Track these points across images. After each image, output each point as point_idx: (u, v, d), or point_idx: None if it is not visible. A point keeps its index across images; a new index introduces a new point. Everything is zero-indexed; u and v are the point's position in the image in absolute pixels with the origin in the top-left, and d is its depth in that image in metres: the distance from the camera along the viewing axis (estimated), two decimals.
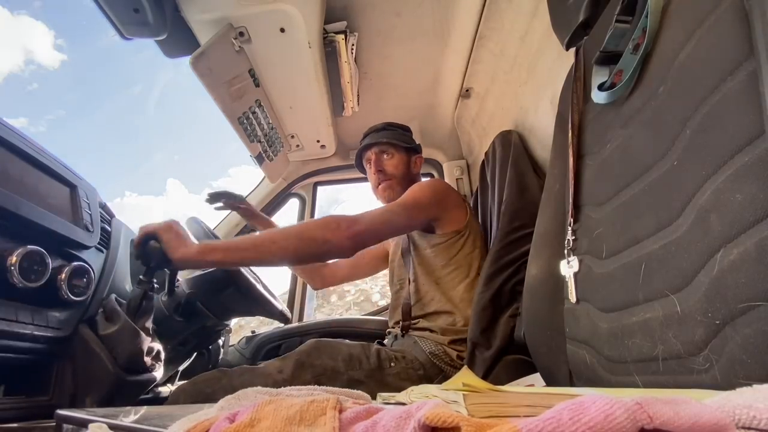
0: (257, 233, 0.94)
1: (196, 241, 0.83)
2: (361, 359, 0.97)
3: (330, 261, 1.36)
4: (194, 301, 1.07)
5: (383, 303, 2.97)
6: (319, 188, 1.81)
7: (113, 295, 0.85)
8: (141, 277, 0.87)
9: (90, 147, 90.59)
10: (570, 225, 0.61)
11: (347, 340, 1.03)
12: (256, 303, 1.09)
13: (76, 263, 0.75)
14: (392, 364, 0.98)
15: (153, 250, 0.83)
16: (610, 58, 0.56)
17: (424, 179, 1.33)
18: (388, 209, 0.98)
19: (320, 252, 0.88)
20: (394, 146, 1.22)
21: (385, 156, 1.22)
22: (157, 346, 0.88)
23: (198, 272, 1.10)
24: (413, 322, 1.10)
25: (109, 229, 0.93)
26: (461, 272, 1.09)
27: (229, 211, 1.42)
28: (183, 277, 1.14)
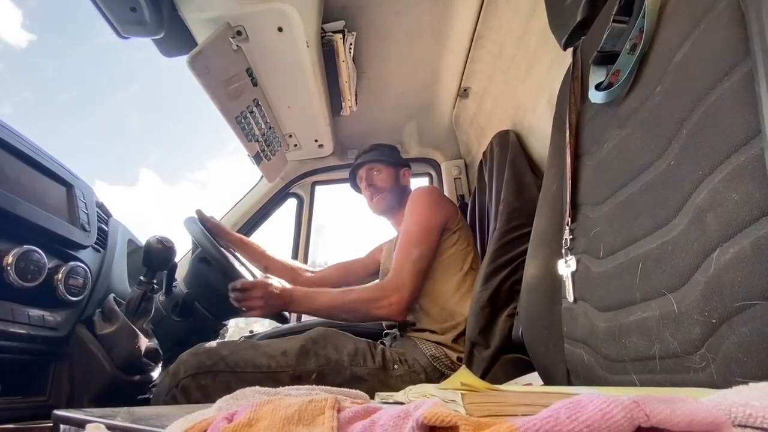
0: (331, 294, 1.05)
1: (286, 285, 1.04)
2: (366, 356, 0.96)
3: (316, 272, 1.40)
4: (192, 301, 1.06)
5: None
6: (317, 188, 1.81)
7: (112, 295, 0.85)
8: (141, 277, 0.87)
9: (58, 132, 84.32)
10: (567, 224, 0.61)
11: (353, 336, 1.02)
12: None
13: (72, 263, 0.75)
14: (396, 366, 0.98)
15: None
16: (607, 58, 0.56)
17: (417, 181, 1.37)
18: (414, 257, 1.06)
19: (377, 320, 1.19)
20: (382, 162, 1.32)
21: (374, 172, 1.32)
22: (155, 346, 0.88)
23: (196, 272, 1.10)
24: (411, 320, 1.11)
25: (106, 228, 0.93)
26: (454, 267, 1.10)
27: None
28: (180, 276, 1.14)
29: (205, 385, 0.83)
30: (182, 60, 0.95)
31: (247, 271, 1.16)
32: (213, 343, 0.90)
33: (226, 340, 1.36)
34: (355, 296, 1.03)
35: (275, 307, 0.99)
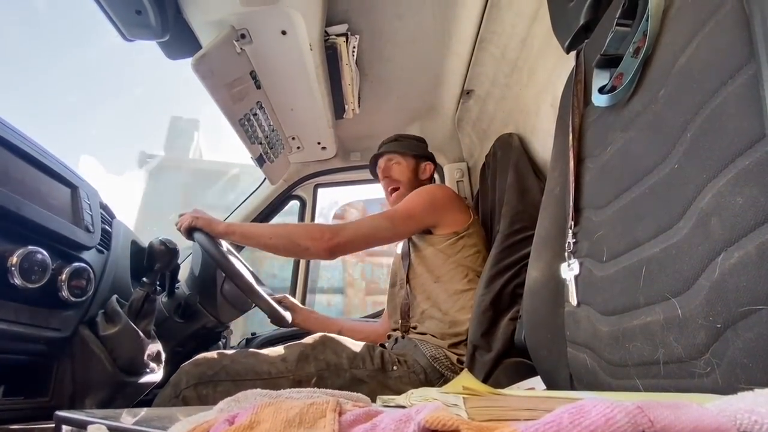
0: (263, 224, 1.08)
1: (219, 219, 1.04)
2: (365, 359, 0.96)
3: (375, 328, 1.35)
4: (194, 303, 1.07)
5: None
6: (320, 190, 1.81)
7: (115, 296, 0.85)
8: (144, 279, 0.87)
9: None
10: (570, 228, 0.61)
11: (351, 340, 1.02)
12: (256, 305, 1.08)
13: (76, 264, 0.75)
14: (395, 367, 0.98)
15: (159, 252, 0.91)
16: (610, 62, 0.56)
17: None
18: (373, 221, 1.04)
19: (300, 255, 1.15)
20: (401, 154, 1.30)
21: (393, 164, 1.30)
22: (158, 347, 0.88)
23: (197, 274, 1.10)
24: (412, 323, 1.10)
25: (109, 230, 0.93)
26: (460, 272, 1.09)
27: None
28: (183, 278, 1.14)
29: (207, 395, 0.83)
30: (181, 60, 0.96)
31: (248, 271, 1.16)
32: (213, 354, 0.90)
33: (228, 344, 1.36)
34: (291, 226, 1.05)
35: (204, 221, 1.00)
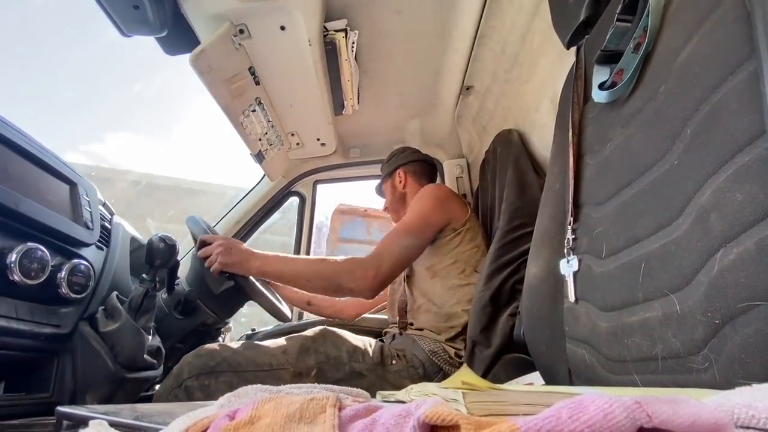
0: (298, 260, 1.02)
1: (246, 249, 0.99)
2: (364, 352, 0.97)
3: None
4: (194, 299, 1.07)
5: None
6: (319, 186, 1.81)
7: (115, 293, 0.85)
8: (144, 275, 0.87)
9: None
10: (570, 224, 0.61)
11: (351, 333, 1.03)
12: (256, 301, 1.09)
13: (75, 261, 0.75)
14: (393, 361, 0.99)
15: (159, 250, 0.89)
16: (610, 57, 0.56)
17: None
18: (399, 242, 1.02)
19: (342, 296, 1.09)
20: (383, 182, 1.37)
21: (383, 191, 1.38)
22: (158, 343, 0.88)
23: (197, 271, 1.10)
24: (409, 321, 1.11)
25: (109, 226, 0.93)
26: (457, 267, 1.10)
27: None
28: (183, 274, 1.14)
29: (208, 385, 0.83)
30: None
31: None
32: (215, 345, 0.91)
33: (226, 340, 1.37)
34: (329, 265, 0.97)
35: (235, 260, 0.95)
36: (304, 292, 1.24)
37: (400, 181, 1.31)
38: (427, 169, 1.34)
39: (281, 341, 0.95)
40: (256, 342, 0.95)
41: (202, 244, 0.98)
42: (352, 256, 0.99)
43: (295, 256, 1.04)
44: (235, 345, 0.92)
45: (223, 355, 0.88)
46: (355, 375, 0.92)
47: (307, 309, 1.39)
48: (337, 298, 1.35)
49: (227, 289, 1.12)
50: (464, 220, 1.14)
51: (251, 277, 1.01)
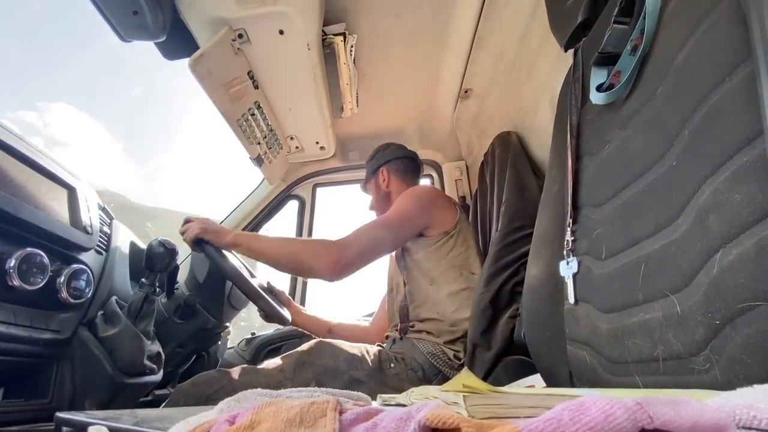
0: (271, 237, 1.02)
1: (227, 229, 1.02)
2: (362, 359, 0.97)
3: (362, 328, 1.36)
4: (194, 303, 1.07)
5: None
6: (319, 189, 1.81)
7: (114, 298, 0.85)
8: (143, 280, 0.87)
9: None
10: (569, 226, 0.61)
11: (348, 342, 1.03)
12: (255, 306, 1.09)
13: (75, 266, 0.75)
14: (392, 365, 0.98)
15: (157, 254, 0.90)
16: (608, 59, 0.56)
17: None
18: (373, 233, 1.01)
19: (305, 276, 1.11)
20: (367, 181, 1.35)
21: (367, 190, 1.36)
22: (157, 348, 0.88)
23: (198, 275, 1.10)
24: (410, 324, 1.10)
25: (108, 231, 0.93)
26: (454, 272, 1.09)
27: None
28: (182, 279, 1.14)
29: None
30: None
31: (251, 274, 1.16)
32: (213, 372, 0.91)
33: (226, 344, 1.36)
34: (296, 243, 1.01)
35: (209, 230, 0.97)
36: (325, 320, 1.27)
37: (384, 180, 1.29)
38: (411, 166, 1.31)
39: (277, 360, 0.95)
40: (252, 366, 0.95)
41: (186, 222, 1.02)
42: (323, 238, 1.01)
43: (271, 236, 1.04)
44: (232, 371, 0.91)
45: (221, 382, 0.87)
46: (354, 383, 0.92)
47: (329, 337, 1.38)
48: (357, 323, 1.35)
49: (232, 297, 1.13)
50: (455, 222, 1.13)
51: (224, 251, 1.01)
